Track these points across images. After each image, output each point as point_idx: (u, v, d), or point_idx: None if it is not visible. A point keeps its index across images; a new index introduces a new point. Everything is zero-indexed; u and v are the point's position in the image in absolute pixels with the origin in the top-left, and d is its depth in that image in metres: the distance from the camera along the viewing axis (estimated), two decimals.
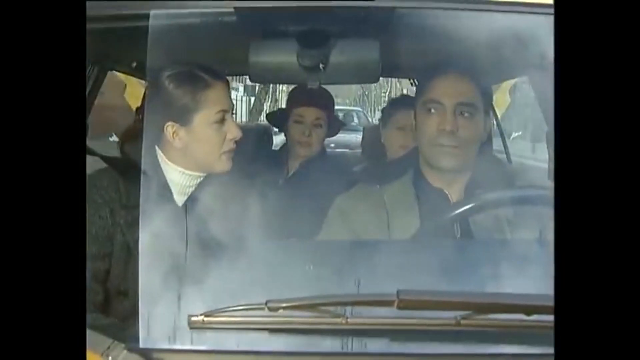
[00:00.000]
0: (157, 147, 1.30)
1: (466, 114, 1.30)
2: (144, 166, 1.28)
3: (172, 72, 1.27)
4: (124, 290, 1.27)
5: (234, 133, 1.28)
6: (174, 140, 1.27)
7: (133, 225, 1.25)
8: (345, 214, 1.37)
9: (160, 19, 1.14)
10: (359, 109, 11.61)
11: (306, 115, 1.94)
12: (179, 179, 1.30)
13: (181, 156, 1.29)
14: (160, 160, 1.30)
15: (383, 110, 2.28)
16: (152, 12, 1.10)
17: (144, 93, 1.39)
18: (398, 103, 2.20)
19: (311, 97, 1.92)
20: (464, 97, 1.30)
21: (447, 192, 1.35)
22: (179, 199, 1.31)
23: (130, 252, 1.27)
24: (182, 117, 1.25)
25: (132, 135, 1.35)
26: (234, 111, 1.31)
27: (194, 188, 1.31)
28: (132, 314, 1.18)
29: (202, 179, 1.31)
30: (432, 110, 1.31)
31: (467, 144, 1.31)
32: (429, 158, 1.34)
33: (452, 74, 1.32)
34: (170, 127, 1.26)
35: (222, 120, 1.27)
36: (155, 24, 1.13)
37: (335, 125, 2.11)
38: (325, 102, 1.99)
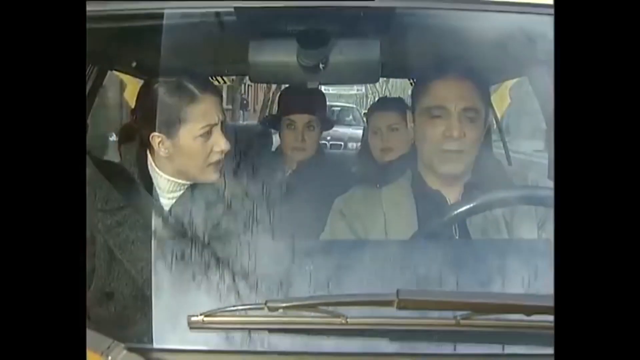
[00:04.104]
0: (148, 152, 1.30)
1: (470, 119, 1.29)
2: (132, 170, 1.29)
3: (161, 81, 1.26)
4: (109, 293, 1.27)
5: (221, 146, 1.26)
6: (159, 149, 1.26)
7: (114, 228, 1.26)
8: (344, 216, 1.36)
9: (160, 19, 1.15)
10: (353, 106, 12.12)
11: (298, 121, 1.91)
12: (166, 185, 1.29)
13: (168, 165, 1.28)
14: (149, 167, 1.30)
15: (367, 114, 2.27)
16: (147, 12, 1.11)
17: (137, 94, 1.37)
18: (375, 107, 2.19)
19: (301, 101, 1.90)
20: (468, 102, 1.28)
21: (445, 194, 1.34)
22: (166, 203, 1.30)
23: (113, 255, 1.26)
24: (167, 129, 1.24)
25: (129, 136, 1.36)
26: (225, 122, 1.30)
27: (182, 192, 1.30)
28: (119, 316, 1.18)
29: (189, 184, 1.30)
30: (437, 116, 1.29)
31: (471, 148, 1.31)
32: (431, 163, 1.33)
33: (454, 77, 1.31)
34: (155, 138, 1.25)
35: (208, 134, 1.25)
36: (151, 24, 1.13)
37: (328, 122, 2.09)
38: (316, 103, 1.96)
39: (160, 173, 1.29)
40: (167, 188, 1.29)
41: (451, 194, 1.34)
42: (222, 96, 1.33)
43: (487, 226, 1.26)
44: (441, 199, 1.34)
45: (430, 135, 1.30)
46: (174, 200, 1.30)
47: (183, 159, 1.26)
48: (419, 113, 1.35)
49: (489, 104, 1.36)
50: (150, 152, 1.29)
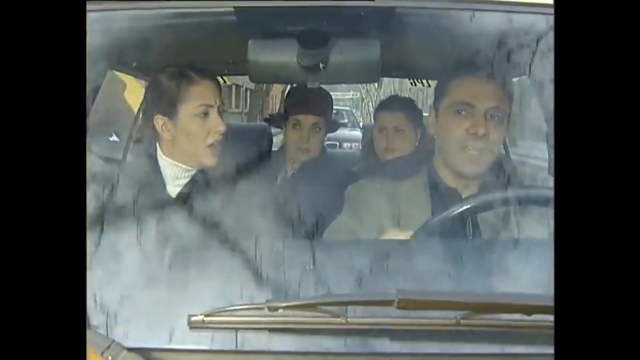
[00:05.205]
0: (157, 142, 1.38)
1: (496, 118, 1.28)
2: (141, 160, 1.34)
3: (164, 71, 1.37)
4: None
5: (218, 126, 1.35)
6: (163, 132, 1.35)
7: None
8: (357, 204, 1.36)
9: (158, 19, 1.15)
10: (348, 108, 12.69)
11: (304, 122, 1.91)
12: (171, 171, 1.37)
13: (172, 148, 1.37)
14: (157, 154, 1.38)
15: (375, 110, 2.27)
16: (150, 13, 1.11)
17: (144, 93, 1.47)
18: (384, 104, 2.18)
19: (308, 102, 1.90)
20: (495, 101, 1.28)
21: (460, 192, 1.34)
22: (172, 191, 1.37)
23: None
24: (169, 110, 1.34)
25: (138, 135, 1.41)
26: (223, 108, 1.39)
27: (187, 180, 1.37)
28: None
29: (194, 172, 1.37)
30: (462, 113, 1.28)
31: (493, 148, 1.30)
32: (451, 160, 1.32)
33: (481, 75, 1.30)
34: (159, 120, 1.35)
35: (205, 114, 1.35)
36: (150, 24, 1.13)
37: (334, 124, 2.09)
38: (323, 105, 1.96)
39: (165, 158, 1.37)
40: (172, 174, 1.37)
41: (467, 193, 1.33)
42: (220, 85, 1.42)
43: (498, 224, 1.25)
44: (456, 197, 1.33)
45: (454, 132, 1.29)
46: (179, 189, 1.37)
47: (184, 140, 1.35)
48: (441, 110, 1.34)
49: (511, 106, 1.35)
50: (157, 140, 1.38)
